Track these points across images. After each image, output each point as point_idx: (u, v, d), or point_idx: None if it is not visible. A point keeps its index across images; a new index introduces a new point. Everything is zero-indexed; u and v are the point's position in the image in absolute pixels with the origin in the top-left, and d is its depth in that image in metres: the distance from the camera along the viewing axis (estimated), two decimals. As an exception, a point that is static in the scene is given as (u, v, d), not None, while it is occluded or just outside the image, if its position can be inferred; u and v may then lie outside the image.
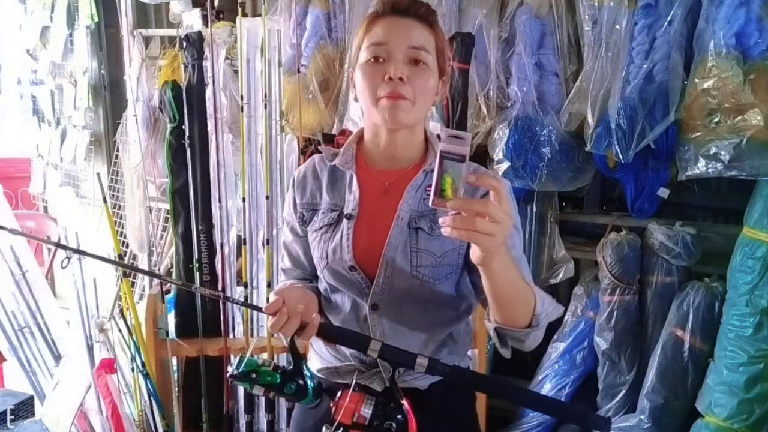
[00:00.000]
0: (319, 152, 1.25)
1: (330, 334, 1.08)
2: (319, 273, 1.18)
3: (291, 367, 1.04)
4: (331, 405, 1.01)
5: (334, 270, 1.14)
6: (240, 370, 1.01)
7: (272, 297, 1.03)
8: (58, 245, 1.13)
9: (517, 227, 1.14)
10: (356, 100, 1.16)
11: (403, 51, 1.06)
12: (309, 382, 1.04)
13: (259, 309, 1.06)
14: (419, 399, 1.05)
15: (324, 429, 0.97)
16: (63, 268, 1.14)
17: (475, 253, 0.89)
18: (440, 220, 0.85)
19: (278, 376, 1.02)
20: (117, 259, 2.07)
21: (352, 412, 0.99)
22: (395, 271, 1.10)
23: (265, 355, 2.09)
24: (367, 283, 1.12)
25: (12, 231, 1.13)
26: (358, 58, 1.12)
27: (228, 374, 1.03)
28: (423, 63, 1.07)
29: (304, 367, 1.05)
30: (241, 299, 2.26)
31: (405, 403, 1.00)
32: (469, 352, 1.25)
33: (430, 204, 0.84)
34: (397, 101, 1.06)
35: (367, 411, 0.99)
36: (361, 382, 1.08)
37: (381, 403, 1.00)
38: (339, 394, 1.01)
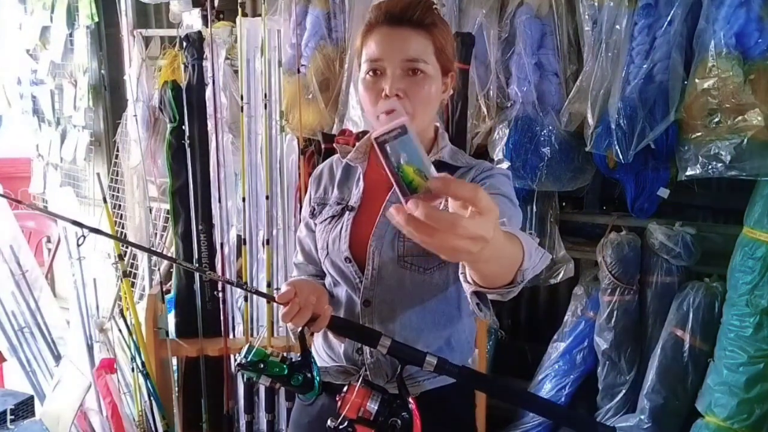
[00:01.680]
0: (320, 152, 1.27)
1: (341, 328, 1.07)
2: (323, 266, 1.20)
3: (299, 359, 1.04)
4: (337, 399, 1.00)
5: (333, 261, 1.15)
6: (249, 359, 1.00)
7: (284, 288, 1.03)
8: (75, 222, 1.13)
9: (516, 205, 1.08)
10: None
11: (398, 65, 1.05)
12: (316, 375, 1.04)
13: (272, 298, 1.06)
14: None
15: (329, 422, 0.96)
16: (79, 245, 1.15)
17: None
18: (388, 215, 0.64)
19: (286, 367, 1.02)
20: (117, 259, 2.07)
21: (358, 406, 0.98)
22: (382, 262, 1.10)
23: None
24: (359, 277, 1.13)
25: (44, 211, 1.13)
26: (360, 67, 1.12)
27: (236, 362, 1.03)
28: (421, 72, 1.06)
29: (312, 360, 1.05)
30: (241, 300, 2.26)
31: (411, 401, 1.00)
32: (469, 360, 1.23)
33: (406, 207, 0.62)
34: None
35: (373, 406, 0.98)
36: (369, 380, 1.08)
37: (387, 399, 0.99)
38: (345, 388, 1.01)
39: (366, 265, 1.11)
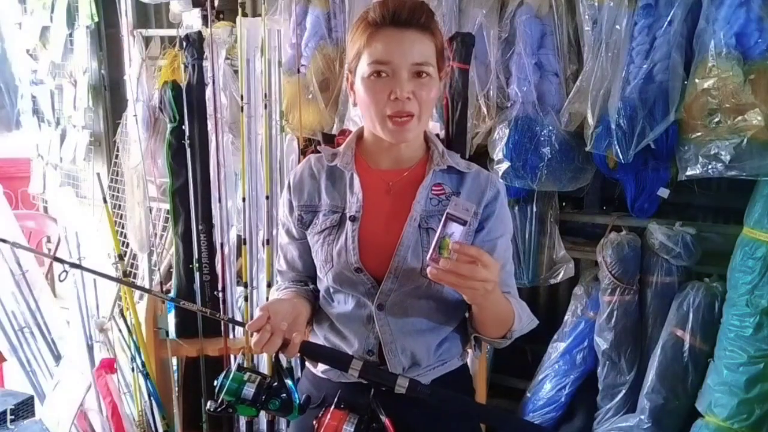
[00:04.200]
0: (317, 152, 1.25)
1: (312, 353, 1.10)
2: (322, 276, 1.18)
3: (276, 382, 1.04)
4: (314, 422, 1.02)
5: (339, 272, 1.13)
6: (218, 403, 1.01)
7: (257, 313, 1.02)
8: (55, 258, 1.13)
9: (510, 231, 1.20)
10: (354, 104, 1.17)
11: (407, 68, 1.06)
12: (294, 397, 1.03)
13: (241, 325, 1.06)
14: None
15: None
16: (61, 281, 1.15)
17: (468, 297, 0.99)
18: (428, 270, 0.94)
19: (254, 410, 1.02)
20: (117, 259, 2.08)
21: (333, 429, 1.00)
22: (405, 271, 1.10)
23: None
24: (373, 284, 1.12)
25: (14, 245, 1.15)
26: (357, 66, 1.11)
27: (206, 409, 1.03)
28: (426, 74, 1.08)
29: (289, 382, 1.05)
30: (241, 300, 2.26)
31: (387, 422, 1.02)
32: (470, 352, 1.26)
33: (428, 258, 0.94)
34: (404, 125, 1.08)
35: (349, 429, 1.00)
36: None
37: (364, 421, 1.02)
38: (322, 411, 1.03)
39: (387, 273, 1.11)
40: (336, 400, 1.05)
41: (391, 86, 1.06)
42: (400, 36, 1.07)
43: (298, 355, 1.04)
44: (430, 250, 0.94)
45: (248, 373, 1.03)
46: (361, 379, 1.04)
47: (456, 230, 0.93)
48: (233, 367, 1.04)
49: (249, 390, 1.01)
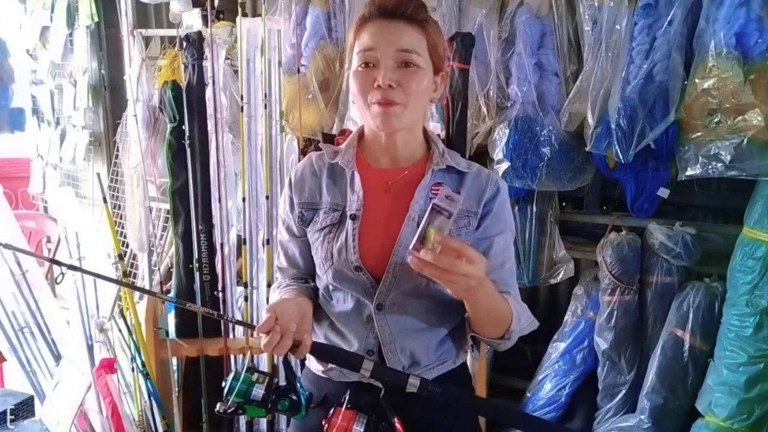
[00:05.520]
0: (319, 151, 1.25)
1: (322, 354, 1.09)
2: (321, 273, 1.18)
3: (284, 383, 1.04)
4: (324, 422, 1.02)
5: (339, 270, 1.13)
6: (227, 405, 1.01)
7: (265, 314, 1.01)
8: (52, 261, 1.13)
9: (512, 230, 1.19)
10: (353, 101, 1.18)
11: (392, 55, 1.06)
12: (302, 398, 1.04)
13: (251, 327, 1.05)
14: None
15: None
16: (57, 283, 1.17)
17: (451, 291, 0.98)
18: (409, 260, 0.94)
19: (264, 411, 1.02)
20: (117, 259, 2.08)
21: (344, 430, 1.00)
22: (404, 271, 1.10)
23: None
24: (372, 283, 1.12)
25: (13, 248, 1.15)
26: (351, 61, 1.12)
27: (216, 410, 1.03)
28: (413, 64, 1.08)
29: (297, 383, 1.05)
30: (241, 300, 2.26)
31: (397, 421, 1.02)
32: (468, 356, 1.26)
33: (410, 247, 0.92)
34: (388, 108, 1.07)
35: (359, 429, 1.01)
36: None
37: (373, 421, 1.02)
38: (331, 411, 1.03)
39: (386, 273, 1.11)
40: (345, 399, 1.04)
41: (376, 75, 1.06)
42: (386, 25, 1.08)
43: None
44: (414, 240, 0.92)
45: (257, 374, 1.03)
46: (372, 379, 1.04)
47: (441, 222, 0.92)
48: (242, 368, 1.04)
49: (258, 391, 1.01)
